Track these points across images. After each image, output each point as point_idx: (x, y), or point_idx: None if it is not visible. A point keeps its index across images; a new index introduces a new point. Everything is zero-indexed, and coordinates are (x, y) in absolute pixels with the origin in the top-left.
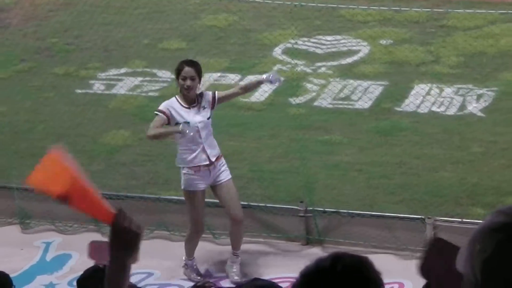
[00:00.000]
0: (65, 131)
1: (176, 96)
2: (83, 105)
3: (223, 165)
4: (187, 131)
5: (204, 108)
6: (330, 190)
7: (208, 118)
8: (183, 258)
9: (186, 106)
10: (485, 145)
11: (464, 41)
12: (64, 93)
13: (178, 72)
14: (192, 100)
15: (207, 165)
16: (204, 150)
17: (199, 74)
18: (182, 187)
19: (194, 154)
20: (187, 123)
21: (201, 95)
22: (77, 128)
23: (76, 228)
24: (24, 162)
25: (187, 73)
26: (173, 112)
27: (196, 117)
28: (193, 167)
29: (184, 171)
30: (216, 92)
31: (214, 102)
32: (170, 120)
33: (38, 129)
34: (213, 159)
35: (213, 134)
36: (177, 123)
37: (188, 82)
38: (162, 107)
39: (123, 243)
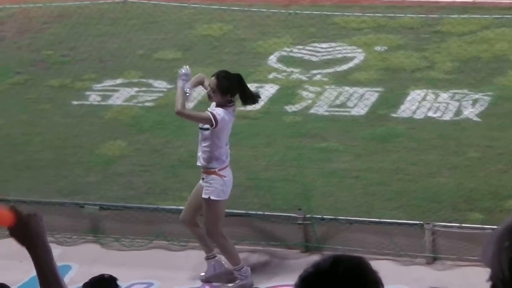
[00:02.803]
0: (61, 143)
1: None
2: (79, 116)
3: None
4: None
5: None
6: (327, 198)
7: None
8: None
9: None
10: (482, 150)
11: (458, 46)
12: (60, 105)
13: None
14: None
15: None
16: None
17: (220, 89)
18: (214, 197)
19: (227, 151)
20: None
21: None
22: (73, 140)
23: (75, 239)
24: (21, 174)
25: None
26: None
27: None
28: (227, 166)
29: (221, 173)
30: None
31: None
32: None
33: (34, 142)
34: None
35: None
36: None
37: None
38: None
39: (30, 235)
